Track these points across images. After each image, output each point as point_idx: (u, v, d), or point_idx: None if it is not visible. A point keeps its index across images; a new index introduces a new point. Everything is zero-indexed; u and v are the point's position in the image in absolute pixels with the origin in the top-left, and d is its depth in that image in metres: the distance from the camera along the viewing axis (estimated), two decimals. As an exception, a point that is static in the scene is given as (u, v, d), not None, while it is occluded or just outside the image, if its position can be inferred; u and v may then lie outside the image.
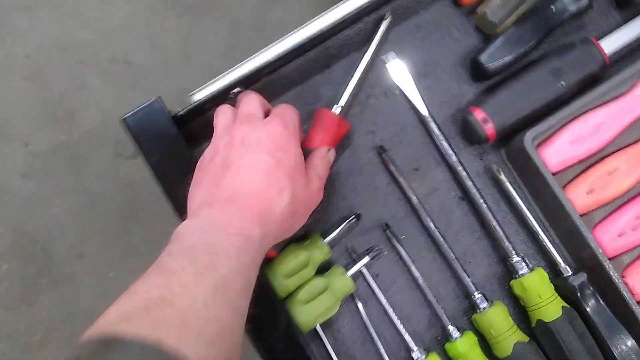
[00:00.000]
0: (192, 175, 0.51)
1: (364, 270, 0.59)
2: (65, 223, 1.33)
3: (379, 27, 0.60)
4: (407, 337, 0.58)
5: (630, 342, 0.55)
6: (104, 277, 1.32)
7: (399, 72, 0.61)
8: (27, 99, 1.37)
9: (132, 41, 1.40)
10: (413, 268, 0.59)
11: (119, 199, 1.34)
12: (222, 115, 0.52)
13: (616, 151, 0.59)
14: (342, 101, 0.58)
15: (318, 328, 0.58)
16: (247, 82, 0.59)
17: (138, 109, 0.56)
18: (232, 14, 1.40)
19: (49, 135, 1.36)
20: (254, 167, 0.47)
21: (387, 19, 0.60)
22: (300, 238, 0.59)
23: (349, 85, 0.59)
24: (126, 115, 0.56)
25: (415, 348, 0.58)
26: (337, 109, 0.58)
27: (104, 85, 1.38)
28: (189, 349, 0.35)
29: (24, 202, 1.34)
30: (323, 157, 0.55)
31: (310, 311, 0.56)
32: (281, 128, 0.49)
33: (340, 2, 0.61)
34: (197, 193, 0.49)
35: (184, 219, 0.47)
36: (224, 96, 0.59)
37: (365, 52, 0.60)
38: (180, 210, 0.56)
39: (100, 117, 1.37)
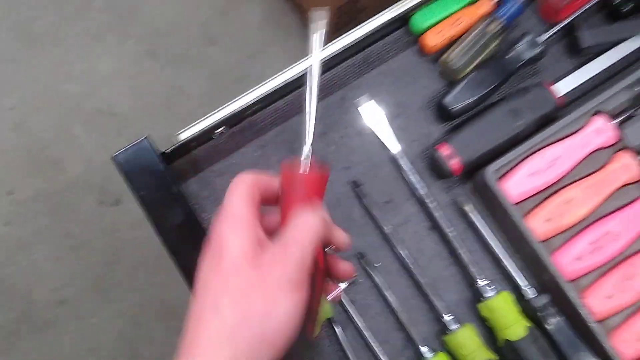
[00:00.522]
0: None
1: (342, 296, 0.63)
2: (47, 269, 1.35)
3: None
4: (383, 358, 0.61)
5: (591, 357, 0.59)
6: (86, 322, 1.32)
7: (371, 113, 0.67)
8: (12, 149, 1.40)
9: (116, 92, 1.45)
10: (387, 294, 0.63)
11: (101, 245, 1.36)
12: None
13: (571, 183, 0.64)
14: (309, 141, 0.43)
15: (298, 353, 0.61)
16: (231, 123, 0.64)
17: (128, 146, 0.61)
18: (214, 66, 1.47)
19: (33, 183, 1.39)
20: (200, 301, 0.38)
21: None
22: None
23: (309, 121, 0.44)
24: (117, 153, 0.61)
25: (391, 370, 0.61)
26: (305, 160, 0.42)
27: (88, 134, 1.42)
28: None
29: (6, 248, 1.35)
30: (301, 235, 0.38)
31: (291, 335, 0.59)
32: (220, 241, 0.38)
33: (315, 52, 0.66)
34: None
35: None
36: (208, 135, 0.64)
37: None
38: (167, 239, 0.59)
39: (84, 165, 1.40)
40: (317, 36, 0.45)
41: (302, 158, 0.42)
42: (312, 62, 0.45)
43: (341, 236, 0.43)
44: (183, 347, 0.36)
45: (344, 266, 0.44)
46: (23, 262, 1.35)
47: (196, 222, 0.60)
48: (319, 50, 0.45)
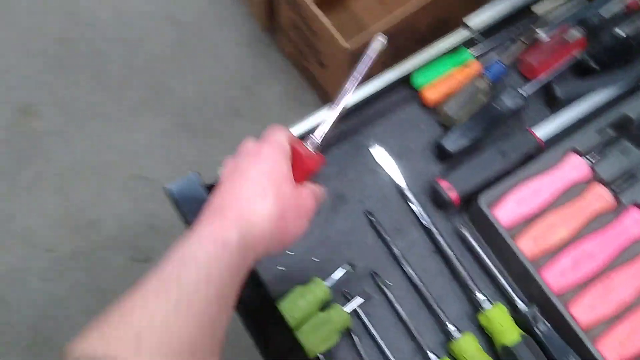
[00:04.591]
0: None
1: (359, 310, 0.72)
2: (81, 322, 1.42)
3: (369, 49, 0.59)
4: (395, 364, 0.70)
5: (578, 361, 0.68)
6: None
7: (381, 155, 0.79)
8: (53, 211, 1.53)
9: (151, 160, 1.59)
10: (398, 308, 0.72)
11: (131, 300, 1.46)
12: (225, 164, 0.57)
13: (553, 210, 0.75)
14: (319, 134, 0.58)
15: (322, 358, 0.70)
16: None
17: (179, 180, 0.73)
18: (239, 135, 1.61)
19: (71, 242, 1.51)
20: (238, 180, 0.51)
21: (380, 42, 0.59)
22: (305, 282, 0.72)
23: (329, 118, 0.59)
24: (169, 185, 0.73)
25: (402, 372, 0.70)
26: (310, 143, 0.58)
27: (122, 198, 1.56)
28: None
29: (43, 303, 1.45)
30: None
31: (315, 338, 0.68)
32: (266, 145, 0.53)
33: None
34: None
35: None
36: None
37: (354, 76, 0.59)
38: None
39: (117, 225, 1.53)
40: (372, 52, 0.59)
41: (310, 143, 0.58)
42: (358, 70, 0.59)
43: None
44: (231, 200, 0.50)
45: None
46: (59, 316, 1.44)
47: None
48: (368, 63, 0.59)
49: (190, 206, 0.72)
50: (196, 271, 0.42)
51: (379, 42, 0.59)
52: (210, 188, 0.73)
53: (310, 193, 0.55)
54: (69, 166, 1.58)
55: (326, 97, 1.61)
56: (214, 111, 1.65)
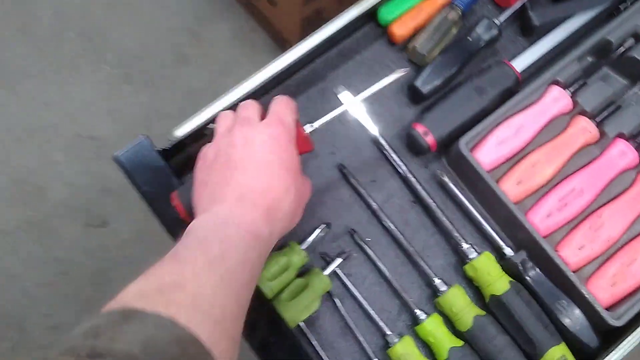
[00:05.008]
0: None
1: (338, 271, 0.67)
2: (38, 295, 1.36)
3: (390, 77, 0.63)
4: (381, 324, 0.66)
5: (569, 304, 0.65)
6: (81, 344, 1.33)
7: (349, 101, 0.72)
8: (-6, 181, 1.42)
9: (94, 117, 1.48)
10: (380, 265, 0.68)
11: (90, 267, 1.38)
12: (223, 118, 0.57)
13: (536, 148, 0.70)
14: (317, 124, 0.60)
15: (303, 326, 0.65)
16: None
17: (128, 147, 0.65)
18: (188, 84, 1.52)
19: (17, 213, 1.41)
20: (261, 166, 0.51)
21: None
22: (280, 247, 0.67)
23: (329, 114, 0.61)
24: (118, 153, 0.65)
25: (389, 332, 0.65)
26: (308, 128, 0.60)
27: (69, 160, 1.45)
28: (197, 327, 0.39)
29: (-4, 280, 1.37)
30: None
31: (294, 307, 0.63)
32: (281, 128, 0.53)
33: (293, 47, 0.72)
34: (205, 192, 0.53)
35: (189, 222, 0.51)
36: (201, 131, 0.68)
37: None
38: (170, 230, 0.64)
39: (67, 190, 1.43)
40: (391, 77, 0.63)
41: (307, 125, 0.60)
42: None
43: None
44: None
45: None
46: (14, 291, 1.36)
47: (196, 212, 0.64)
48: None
49: (144, 174, 0.65)
50: (236, 256, 0.47)
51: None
52: (163, 152, 0.66)
53: (310, 183, 0.59)
54: (5, 131, 1.45)
55: (279, 38, 1.51)
56: (158, 59, 1.53)
